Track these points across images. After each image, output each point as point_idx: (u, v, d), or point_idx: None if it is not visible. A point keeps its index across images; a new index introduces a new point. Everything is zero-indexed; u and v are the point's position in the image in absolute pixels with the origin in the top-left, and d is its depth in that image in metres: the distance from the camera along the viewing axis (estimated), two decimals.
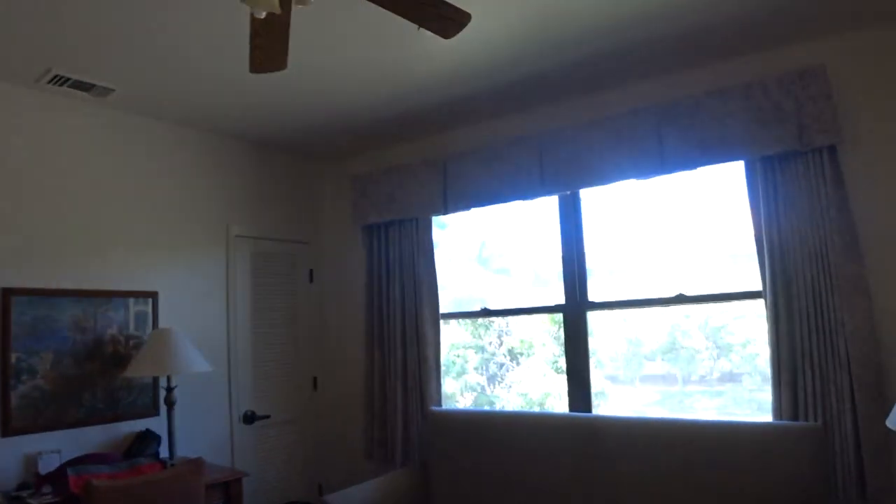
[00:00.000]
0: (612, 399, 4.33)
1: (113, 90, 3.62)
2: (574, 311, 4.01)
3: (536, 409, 4.49)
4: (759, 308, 3.49)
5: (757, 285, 3.38)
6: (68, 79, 3.44)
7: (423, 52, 3.30)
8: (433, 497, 3.92)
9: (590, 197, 4.03)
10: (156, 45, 3.12)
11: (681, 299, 3.75)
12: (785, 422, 3.11)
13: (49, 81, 3.46)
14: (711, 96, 3.40)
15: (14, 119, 3.51)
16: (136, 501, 2.88)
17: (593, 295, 3.99)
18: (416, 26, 2.36)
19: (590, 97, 3.94)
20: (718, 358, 6.56)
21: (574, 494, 3.43)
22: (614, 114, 3.71)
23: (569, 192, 3.95)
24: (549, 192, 3.92)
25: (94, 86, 3.55)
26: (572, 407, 4.00)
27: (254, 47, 2.41)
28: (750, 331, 4.16)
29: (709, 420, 3.28)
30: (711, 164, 3.42)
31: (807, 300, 3.12)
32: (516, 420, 3.77)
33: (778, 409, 3.20)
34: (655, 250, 3.99)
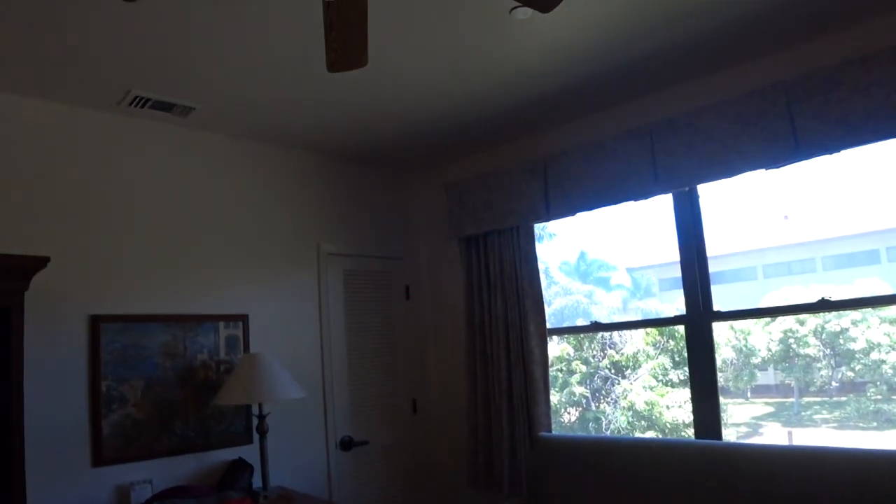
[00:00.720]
0: (723, 413, 3.89)
1: (194, 108, 3.50)
2: (697, 322, 3.55)
3: (661, 436, 4.04)
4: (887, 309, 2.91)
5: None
6: (148, 99, 3.35)
7: (516, 41, 2.99)
8: None
9: (709, 193, 3.57)
10: (235, 59, 2.99)
11: (824, 305, 3.20)
12: None
13: (130, 104, 3.38)
14: (851, 65, 2.88)
15: (98, 144, 3.45)
16: None
17: (717, 303, 3.51)
18: (509, 7, 2.05)
19: (706, 79, 3.48)
20: (837, 366, 5.97)
21: None
22: (736, 96, 3.23)
23: (686, 189, 3.51)
24: (663, 190, 3.50)
25: (174, 105, 3.44)
26: (698, 426, 3.52)
27: (329, 41, 2.19)
28: (873, 336, 3.60)
29: (859, 449, 2.73)
30: (857, 145, 2.91)
31: None
32: (638, 449, 3.35)
33: None
34: (785, 247, 3.49)
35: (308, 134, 4.04)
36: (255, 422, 3.57)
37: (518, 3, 2.08)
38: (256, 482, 3.60)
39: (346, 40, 2.19)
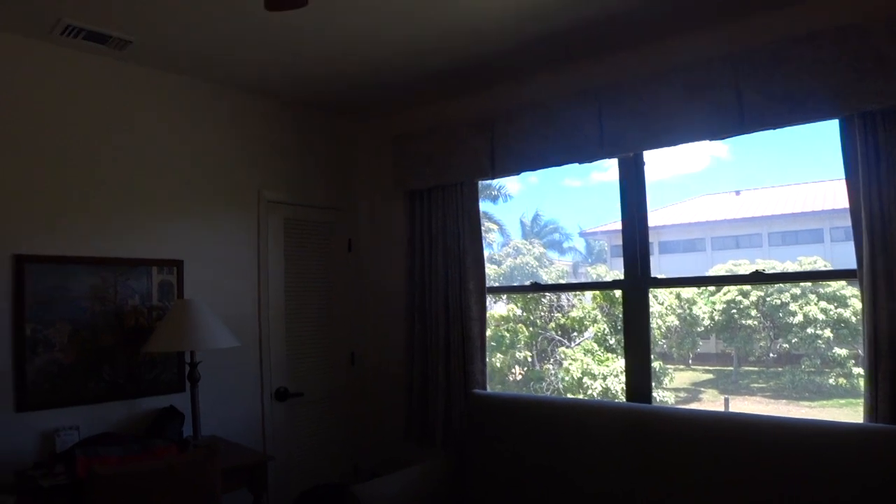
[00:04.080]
0: (665, 377, 3.96)
1: (130, 42, 3.34)
2: (635, 288, 3.58)
3: (589, 397, 4.10)
4: (827, 287, 2.97)
5: (850, 262, 2.87)
6: (82, 29, 3.17)
7: None
8: (470, 488, 3.58)
9: (653, 161, 3.56)
10: None
11: (758, 277, 3.25)
12: (886, 425, 2.62)
13: (62, 33, 3.20)
14: (799, 42, 2.88)
15: (28, 74, 3.27)
16: (143, 489, 2.65)
17: (655, 270, 3.54)
18: None
19: (656, 45, 3.44)
20: (776, 338, 6.18)
21: (623, 494, 3.02)
22: (685, 63, 3.22)
23: (631, 155, 3.50)
24: (608, 155, 3.49)
25: (109, 37, 3.27)
26: (630, 388, 3.59)
27: None
28: (811, 311, 3.70)
29: (789, 419, 2.81)
30: (800, 122, 2.94)
31: None
32: (566, 408, 3.39)
33: (873, 407, 2.73)
34: (734, 221, 3.54)
35: (252, 75, 3.90)
36: (186, 370, 3.50)
37: None
38: (187, 431, 3.55)
39: None
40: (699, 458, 2.85)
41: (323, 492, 4.00)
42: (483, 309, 4.00)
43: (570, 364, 6.05)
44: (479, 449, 3.62)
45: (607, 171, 3.58)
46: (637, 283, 3.57)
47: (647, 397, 3.49)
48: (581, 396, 5.46)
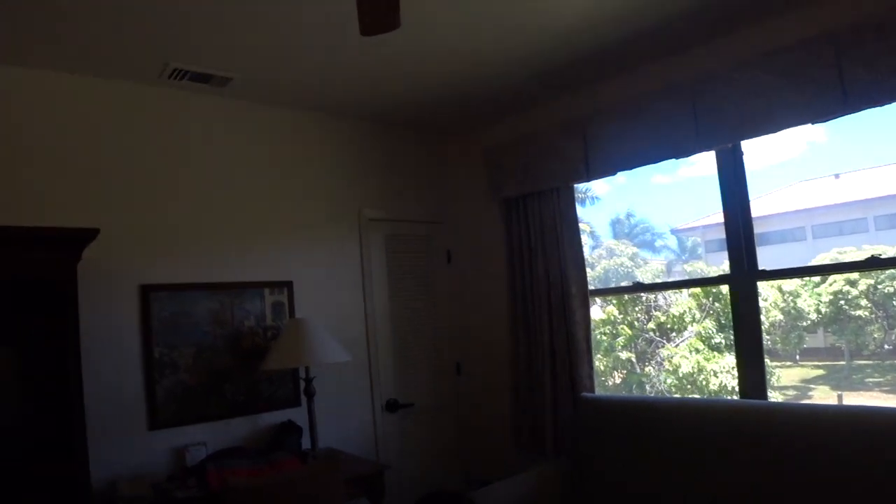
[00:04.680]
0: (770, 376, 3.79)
1: (231, 79, 3.54)
2: (742, 282, 3.48)
3: (705, 396, 4.00)
4: None
5: None
6: (187, 71, 3.40)
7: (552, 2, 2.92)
8: (586, 492, 3.55)
9: (755, 152, 3.46)
10: (268, 28, 3.00)
11: (873, 263, 3.11)
12: None
13: (170, 76, 3.43)
14: None
15: (142, 116, 3.52)
16: (272, 500, 2.78)
17: (764, 264, 3.44)
18: None
19: (748, 31, 3.34)
20: (891, 329, 5.79)
21: (746, 496, 2.90)
22: (781, 46, 3.11)
23: (730, 145, 3.42)
24: (705, 148, 3.41)
25: (212, 76, 3.48)
26: (743, 386, 3.48)
27: (361, 4, 2.17)
28: None
29: None
30: None
31: None
32: (681, 408, 3.30)
33: None
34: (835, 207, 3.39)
35: (345, 100, 4.05)
36: (302, 385, 3.65)
37: None
38: (305, 443, 3.70)
39: (378, 2, 2.18)
40: (819, 452, 2.72)
41: (439, 499, 4.06)
42: (587, 312, 3.98)
43: (674, 364, 5.91)
44: (592, 452, 3.59)
45: (695, 165, 3.50)
46: (745, 277, 3.47)
47: (763, 395, 3.39)
48: (694, 396, 5.33)
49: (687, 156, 3.51)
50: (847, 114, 2.96)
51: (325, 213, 4.20)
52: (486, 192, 4.51)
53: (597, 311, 6.49)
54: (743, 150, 3.48)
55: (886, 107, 2.87)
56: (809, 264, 3.76)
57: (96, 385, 3.09)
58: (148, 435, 3.36)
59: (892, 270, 4.93)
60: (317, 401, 3.64)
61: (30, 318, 2.76)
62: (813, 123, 3.10)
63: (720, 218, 3.60)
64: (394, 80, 3.77)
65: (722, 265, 3.90)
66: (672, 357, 6.15)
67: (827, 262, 4.63)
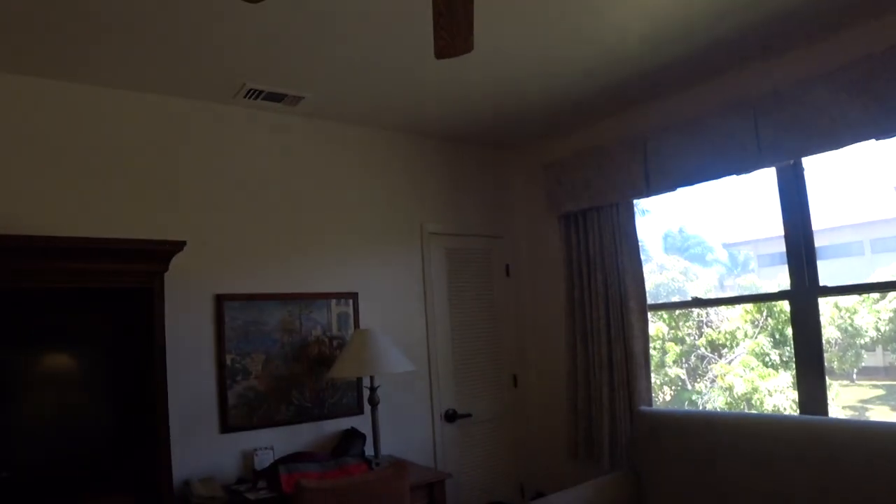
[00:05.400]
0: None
1: (303, 97, 3.69)
2: (803, 298, 3.48)
3: (766, 412, 3.98)
4: None
5: None
6: (261, 91, 3.56)
7: (615, 19, 3.00)
8: None
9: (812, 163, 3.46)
10: (340, 49, 3.12)
11: None
12: None
13: (245, 96, 3.61)
14: None
15: (219, 135, 3.71)
16: (343, 502, 2.88)
17: (823, 279, 3.43)
18: None
19: (811, 48, 3.36)
20: None
21: None
22: (843, 63, 3.12)
23: (791, 162, 3.44)
24: (767, 164, 3.43)
25: (285, 95, 3.64)
26: (803, 404, 3.48)
27: (438, 28, 2.26)
28: None
29: None
30: None
31: None
32: (741, 423, 3.30)
33: None
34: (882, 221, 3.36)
35: (410, 117, 4.17)
36: (366, 394, 3.77)
37: None
38: (368, 450, 3.81)
39: (454, 26, 2.26)
40: (883, 470, 2.70)
41: None
42: (645, 326, 4.03)
43: (728, 384, 5.84)
44: (649, 466, 3.62)
45: (749, 177, 3.50)
46: (805, 293, 3.47)
47: (825, 413, 3.38)
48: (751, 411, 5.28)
49: (748, 172, 3.52)
50: None
51: (389, 226, 4.33)
52: (545, 207, 4.58)
53: (653, 325, 6.47)
54: (804, 165, 3.49)
55: None
56: (870, 280, 3.73)
57: (174, 389, 3.21)
58: (219, 437, 3.52)
59: None
60: (379, 409, 3.75)
61: (120, 324, 2.94)
62: (878, 140, 3.09)
63: (773, 231, 3.61)
64: (457, 98, 3.88)
65: (776, 279, 3.89)
66: (725, 375, 6.09)
67: (888, 278, 4.57)
